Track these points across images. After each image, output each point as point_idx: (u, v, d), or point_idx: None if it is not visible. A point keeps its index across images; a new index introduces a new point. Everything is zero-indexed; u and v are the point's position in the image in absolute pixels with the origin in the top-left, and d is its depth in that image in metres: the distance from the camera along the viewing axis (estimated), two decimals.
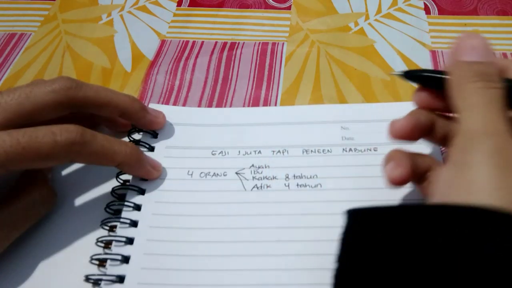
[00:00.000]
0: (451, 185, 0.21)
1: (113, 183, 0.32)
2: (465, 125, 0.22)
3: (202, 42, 0.43)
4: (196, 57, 0.41)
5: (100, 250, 0.29)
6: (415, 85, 0.27)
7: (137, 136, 0.34)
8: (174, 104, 0.38)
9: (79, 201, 0.31)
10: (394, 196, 0.30)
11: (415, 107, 0.27)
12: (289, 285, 0.27)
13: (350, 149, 0.33)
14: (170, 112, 0.35)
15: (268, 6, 0.46)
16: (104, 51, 0.43)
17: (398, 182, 0.24)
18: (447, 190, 0.21)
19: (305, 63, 0.41)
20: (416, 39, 0.42)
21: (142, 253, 0.28)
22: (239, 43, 0.42)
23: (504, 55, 0.40)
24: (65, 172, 0.33)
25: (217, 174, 0.32)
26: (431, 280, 0.17)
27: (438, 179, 0.24)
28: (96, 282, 0.27)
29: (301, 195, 0.31)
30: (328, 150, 0.33)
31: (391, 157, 0.25)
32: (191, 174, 0.32)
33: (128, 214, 0.30)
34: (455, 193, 0.20)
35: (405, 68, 0.39)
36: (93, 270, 0.28)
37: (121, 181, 0.32)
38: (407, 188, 0.30)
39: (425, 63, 0.40)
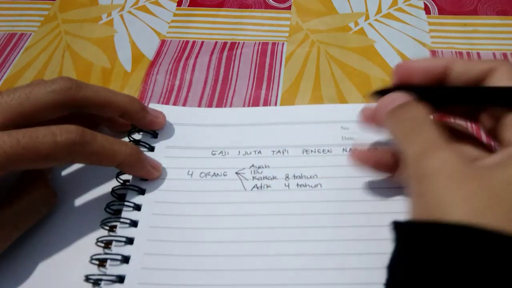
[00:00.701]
0: (420, 211, 0.20)
1: (113, 183, 0.32)
2: (407, 155, 0.22)
3: (202, 42, 0.43)
4: (196, 57, 0.41)
5: (100, 250, 0.29)
6: None
7: (137, 136, 0.34)
8: (174, 104, 0.38)
9: (79, 201, 0.31)
10: (394, 197, 0.30)
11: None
12: (289, 285, 0.27)
13: (350, 149, 0.33)
14: (170, 112, 0.35)
15: (268, 6, 0.46)
16: (104, 51, 0.43)
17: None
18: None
19: (305, 63, 0.41)
20: (416, 39, 0.42)
21: (142, 253, 0.28)
22: (239, 43, 0.42)
23: (504, 55, 0.40)
24: (65, 172, 0.33)
25: (217, 174, 0.32)
26: None
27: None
28: (96, 282, 0.27)
29: (301, 195, 0.31)
30: (328, 150, 0.33)
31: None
32: (191, 174, 0.32)
33: (128, 214, 0.30)
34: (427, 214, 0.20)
35: None
36: (93, 270, 0.28)
37: (121, 181, 0.32)
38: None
39: None
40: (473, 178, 0.19)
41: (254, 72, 0.40)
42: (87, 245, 0.29)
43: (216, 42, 0.43)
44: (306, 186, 0.31)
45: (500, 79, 0.23)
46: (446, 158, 0.20)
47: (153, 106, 0.36)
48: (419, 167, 0.21)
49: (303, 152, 0.33)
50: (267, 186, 0.31)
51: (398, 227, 0.20)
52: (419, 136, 0.21)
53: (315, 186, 0.31)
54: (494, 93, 0.23)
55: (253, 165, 0.32)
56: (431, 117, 0.23)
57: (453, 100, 0.25)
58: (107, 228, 0.30)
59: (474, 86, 0.24)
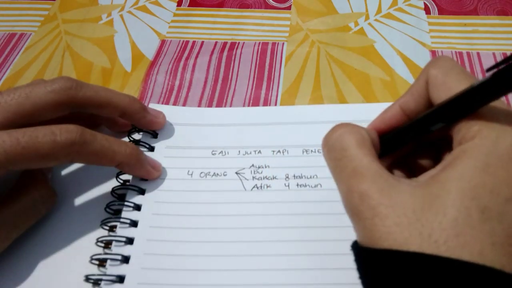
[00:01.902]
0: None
1: (113, 183, 0.32)
2: (339, 191, 0.22)
3: (202, 42, 0.43)
4: (196, 57, 0.41)
5: (100, 250, 0.29)
6: None
7: (137, 136, 0.34)
8: (174, 104, 0.38)
9: (79, 201, 0.31)
10: None
11: None
12: (289, 285, 0.27)
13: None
14: (170, 112, 0.35)
15: (268, 6, 0.46)
16: (104, 51, 0.43)
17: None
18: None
19: (305, 63, 0.41)
20: (416, 39, 0.42)
21: (142, 253, 0.28)
22: (239, 43, 0.42)
23: (504, 55, 0.40)
24: (65, 172, 0.33)
25: (217, 174, 0.32)
26: None
27: None
28: (96, 282, 0.27)
29: (301, 195, 0.31)
30: None
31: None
32: (191, 174, 0.32)
33: (128, 214, 0.30)
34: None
35: (405, 68, 0.39)
36: (93, 270, 0.28)
37: (121, 181, 0.32)
38: None
39: (425, 63, 0.39)
40: (392, 206, 0.18)
41: (254, 72, 0.40)
42: (87, 245, 0.29)
43: (216, 42, 0.43)
44: (306, 186, 0.31)
45: (437, 93, 0.21)
46: (368, 189, 0.19)
47: (153, 106, 0.36)
48: (347, 206, 0.20)
49: (303, 152, 0.33)
50: (267, 186, 0.31)
51: (356, 250, 0.21)
52: (344, 169, 0.21)
53: (315, 186, 0.31)
54: (429, 119, 0.21)
55: (253, 165, 0.32)
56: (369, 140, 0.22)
57: (398, 145, 0.24)
58: (107, 228, 0.30)
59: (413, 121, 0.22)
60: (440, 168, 0.19)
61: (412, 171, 0.24)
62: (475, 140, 0.19)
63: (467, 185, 0.18)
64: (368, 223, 0.19)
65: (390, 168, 0.24)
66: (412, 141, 0.23)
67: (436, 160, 0.23)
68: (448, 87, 0.20)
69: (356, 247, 0.20)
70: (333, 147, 0.22)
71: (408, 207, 0.18)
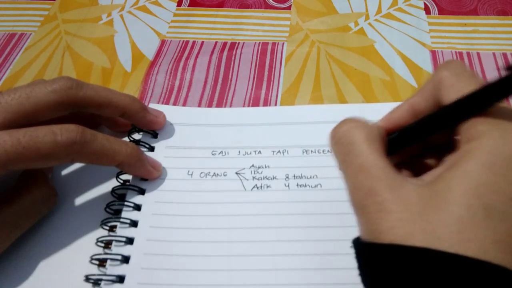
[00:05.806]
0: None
1: (113, 183, 0.32)
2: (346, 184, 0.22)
3: (202, 42, 0.43)
4: (196, 57, 0.41)
5: (100, 250, 0.29)
6: None
7: (137, 136, 0.34)
8: (174, 104, 0.38)
9: (79, 201, 0.31)
10: None
11: None
12: (289, 285, 0.27)
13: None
14: (170, 112, 0.35)
15: (268, 6, 0.46)
16: (104, 51, 0.43)
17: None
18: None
19: (305, 63, 0.41)
20: (416, 39, 0.42)
21: (142, 253, 0.28)
22: (239, 43, 0.42)
23: (504, 55, 0.40)
24: (65, 172, 0.33)
25: (217, 174, 0.32)
26: None
27: None
28: (96, 282, 0.27)
29: (301, 195, 0.31)
30: (328, 150, 0.33)
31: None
32: (191, 174, 0.32)
33: (128, 214, 0.30)
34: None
35: (405, 68, 0.39)
36: (93, 270, 0.28)
37: (121, 181, 0.32)
38: None
39: (425, 63, 0.40)
40: (396, 202, 0.19)
41: (254, 72, 0.40)
42: (87, 245, 0.29)
43: (216, 42, 0.43)
44: (306, 186, 0.31)
45: (447, 94, 0.21)
46: (375, 185, 0.19)
47: (153, 106, 0.36)
48: (353, 199, 0.21)
49: (303, 152, 0.33)
50: (267, 186, 0.31)
51: (358, 245, 0.21)
52: (351, 164, 0.21)
53: (315, 186, 0.31)
54: (441, 118, 0.21)
55: (253, 165, 0.32)
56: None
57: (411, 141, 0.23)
58: (107, 228, 0.30)
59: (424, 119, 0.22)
60: (445, 167, 0.20)
61: (417, 172, 0.24)
62: (481, 139, 0.19)
63: (471, 183, 0.18)
64: (372, 217, 0.19)
65: (396, 168, 0.24)
66: (420, 140, 0.23)
67: (440, 161, 0.23)
68: (459, 88, 0.21)
69: (358, 243, 0.20)
70: (340, 140, 0.22)
71: (412, 203, 0.18)
